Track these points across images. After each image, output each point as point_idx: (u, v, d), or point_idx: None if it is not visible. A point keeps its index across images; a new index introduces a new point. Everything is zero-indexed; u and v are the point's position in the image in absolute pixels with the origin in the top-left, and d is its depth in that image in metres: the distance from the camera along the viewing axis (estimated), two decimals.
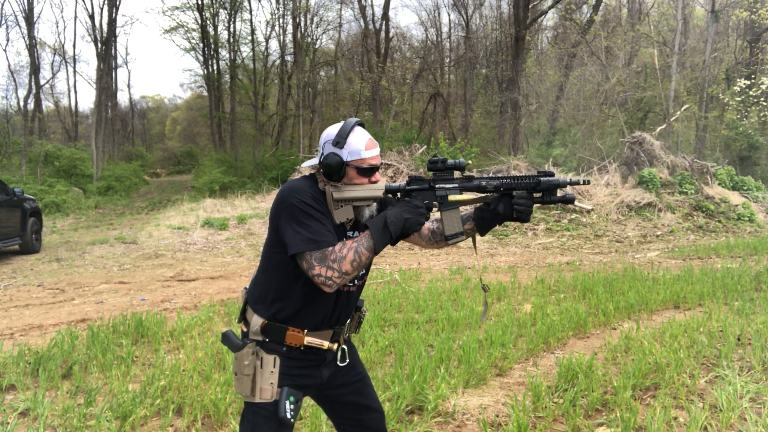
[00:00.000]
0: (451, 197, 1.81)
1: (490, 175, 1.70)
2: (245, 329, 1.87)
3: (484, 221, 1.85)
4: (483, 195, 1.85)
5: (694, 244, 11.61)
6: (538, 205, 1.80)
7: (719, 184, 16.82)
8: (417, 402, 3.34)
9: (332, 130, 1.83)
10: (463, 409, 3.34)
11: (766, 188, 18.21)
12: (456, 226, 1.81)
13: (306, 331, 1.82)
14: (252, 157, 26.90)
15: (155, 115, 58.50)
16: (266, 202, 17.17)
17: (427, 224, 2.02)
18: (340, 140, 1.79)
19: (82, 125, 37.99)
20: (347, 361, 1.96)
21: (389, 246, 1.80)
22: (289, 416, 1.75)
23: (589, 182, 1.81)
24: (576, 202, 14.20)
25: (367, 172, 1.82)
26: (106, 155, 28.10)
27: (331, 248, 1.70)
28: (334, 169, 1.78)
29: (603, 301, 5.73)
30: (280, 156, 26.21)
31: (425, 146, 21.22)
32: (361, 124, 1.86)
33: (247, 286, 1.95)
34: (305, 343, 1.81)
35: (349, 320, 1.95)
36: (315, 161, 1.87)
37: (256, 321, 1.82)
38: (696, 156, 18.43)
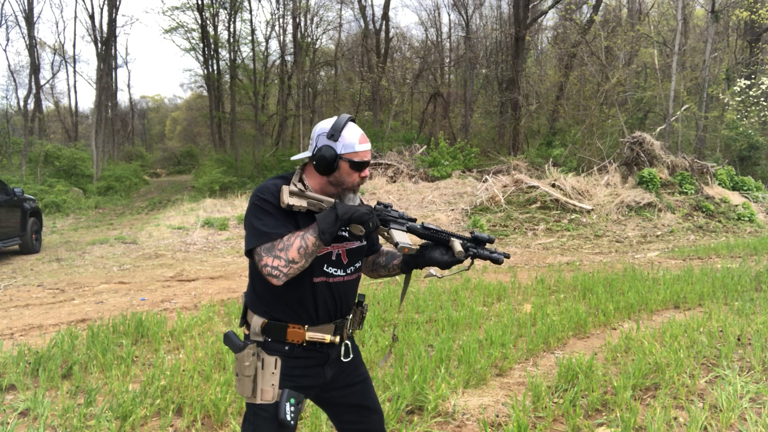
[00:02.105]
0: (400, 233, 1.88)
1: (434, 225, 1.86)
2: (247, 332, 1.88)
3: (412, 258, 1.94)
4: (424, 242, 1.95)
5: (694, 244, 11.61)
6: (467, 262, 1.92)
7: (719, 184, 16.82)
8: (417, 402, 3.34)
9: (326, 124, 1.84)
10: (463, 409, 3.34)
11: (766, 188, 18.22)
12: (405, 239, 1.83)
13: (306, 326, 1.81)
14: (252, 157, 26.91)
15: (155, 115, 58.51)
16: None
17: (373, 256, 2.10)
18: (334, 133, 1.79)
19: (82, 125, 37.99)
20: (351, 356, 1.94)
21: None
22: (289, 418, 1.75)
23: (508, 256, 1.94)
24: (576, 203, 14.22)
25: (359, 166, 1.83)
26: (106, 155, 28.10)
27: (279, 239, 1.71)
28: (328, 161, 1.79)
29: (603, 301, 5.73)
30: (280, 156, 26.21)
31: (425, 146, 21.25)
32: (353, 120, 1.88)
33: (246, 290, 1.97)
34: (307, 338, 1.80)
35: (351, 315, 1.94)
36: (307, 154, 1.88)
37: (257, 322, 1.82)
38: (696, 156, 18.44)
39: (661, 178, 15.36)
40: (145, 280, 7.91)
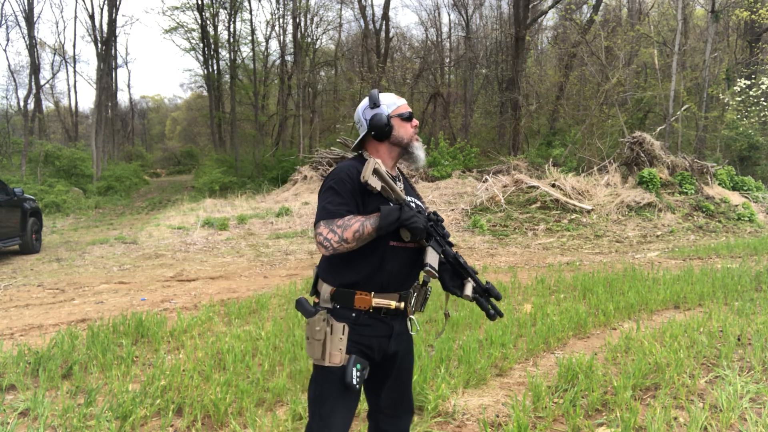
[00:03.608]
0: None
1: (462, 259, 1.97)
2: (317, 300, 2.00)
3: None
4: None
5: (694, 244, 11.61)
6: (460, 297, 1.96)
7: (719, 184, 16.82)
8: (417, 402, 3.33)
9: (364, 102, 2.07)
10: (463, 409, 3.34)
11: (766, 188, 18.21)
12: (435, 262, 1.90)
13: (373, 293, 1.91)
14: (252, 157, 26.91)
15: (155, 115, 58.54)
16: (266, 202, 17.17)
17: None
18: (375, 101, 2.02)
19: (82, 125, 38.00)
20: (417, 330, 2.04)
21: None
22: (354, 382, 1.84)
23: (502, 315, 2.00)
24: (576, 203, 14.22)
25: (408, 118, 2.05)
26: (106, 155, 28.10)
27: (340, 217, 1.85)
28: (383, 124, 1.99)
29: (603, 301, 5.72)
30: (280, 156, 26.20)
31: (425, 146, 21.22)
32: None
33: (319, 262, 2.08)
34: (373, 305, 1.90)
35: (415, 294, 2.01)
36: (362, 133, 2.05)
37: (326, 289, 1.94)
38: (696, 156, 18.43)
39: (661, 178, 15.35)
40: (145, 280, 7.91)
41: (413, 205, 1.97)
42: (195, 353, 4.18)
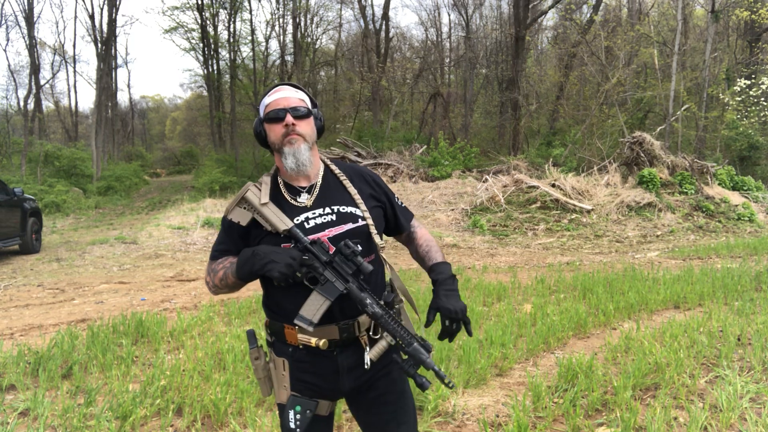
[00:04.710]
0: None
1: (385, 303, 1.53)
2: None
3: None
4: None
5: (694, 244, 11.61)
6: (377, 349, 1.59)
7: (719, 184, 16.82)
8: (417, 402, 3.33)
9: None
10: (463, 409, 3.34)
11: (766, 188, 18.22)
12: (314, 313, 1.56)
13: (297, 328, 1.62)
14: (252, 157, 26.92)
15: (155, 115, 58.59)
16: None
17: (407, 239, 1.92)
18: (258, 107, 1.78)
19: (82, 125, 38.02)
20: (370, 365, 1.64)
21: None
22: (293, 426, 1.61)
23: (453, 387, 1.56)
24: (576, 203, 14.22)
25: (274, 119, 1.68)
26: (106, 155, 28.11)
27: (214, 260, 1.73)
28: (257, 133, 1.75)
29: (603, 301, 5.72)
30: None
31: (425, 146, 21.26)
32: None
33: None
34: (299, 340, 1.63)
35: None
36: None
37: (265, 319, 1.77)
38: (696, 156, 18.44)
39: (661, 178, 15.36)
40: (145, 280, 7.91)
41: (302, 225, 1.63)
42: (195, 353, 4.18)
